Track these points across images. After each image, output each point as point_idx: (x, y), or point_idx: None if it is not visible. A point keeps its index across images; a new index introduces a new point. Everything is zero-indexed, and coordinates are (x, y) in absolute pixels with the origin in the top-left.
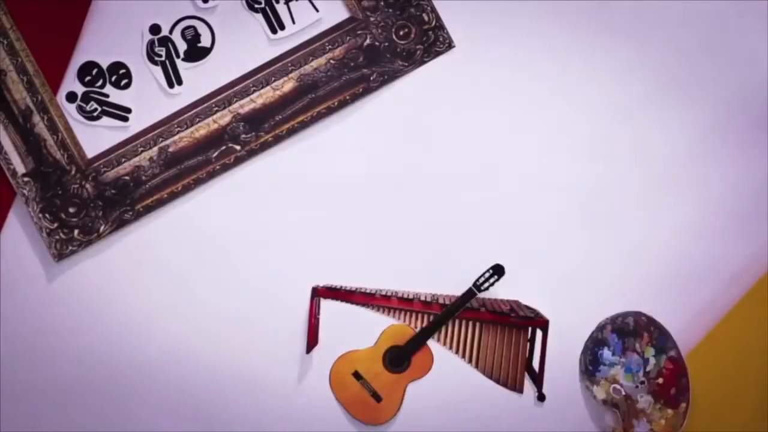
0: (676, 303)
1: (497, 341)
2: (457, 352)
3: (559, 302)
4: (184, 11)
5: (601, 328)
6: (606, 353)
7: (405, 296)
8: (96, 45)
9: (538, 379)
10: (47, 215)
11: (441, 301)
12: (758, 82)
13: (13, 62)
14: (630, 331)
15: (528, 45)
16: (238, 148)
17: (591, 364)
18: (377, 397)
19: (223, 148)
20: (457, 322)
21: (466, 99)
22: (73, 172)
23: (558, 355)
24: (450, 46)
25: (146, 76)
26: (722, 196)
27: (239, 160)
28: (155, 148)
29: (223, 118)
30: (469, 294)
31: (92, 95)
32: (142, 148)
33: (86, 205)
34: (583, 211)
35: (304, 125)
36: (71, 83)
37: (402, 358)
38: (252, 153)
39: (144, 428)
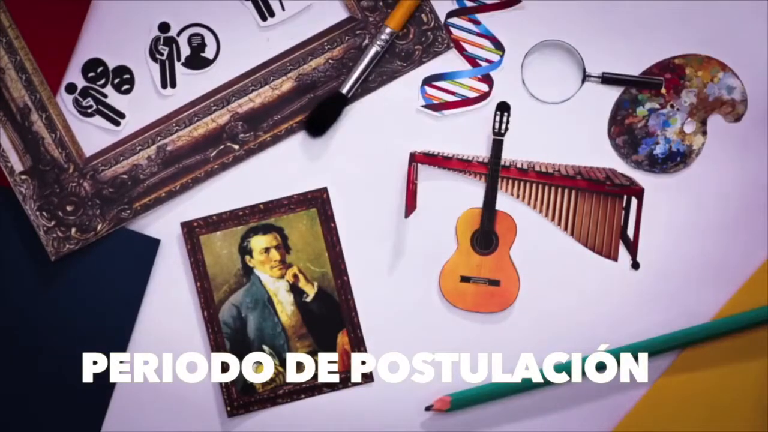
0: (675, 299)
1: (593, 209)
2: (553, 219)
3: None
4: (196, 17)
5: (639, 164)
6: (658, 150)
7: (502, 164)
8: (105, 41)
9: (632, 247)
10: (44, 213)
11: (538, 168)
12: (758, 81)
13: (11, 60)
14: (630, 136)
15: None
16: (236, 147)
17: (674, 161)
18: (495, 283)
19: (222, 147)
20: (553, 190)
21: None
22: (71, 170)
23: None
24: (449, 46)
25: (146, 76)
26: (722, 194)
27: (237, 160)
28: (153, 147)
29: (221, 117)
30: (497, 144)
31: (91, 91)
32: (140, 147)
33: (84, 203)
34: None
35: (301, 125)
36: (74, 75)
37: (487, 237)
38: (250, 152)
39: (141, 428)
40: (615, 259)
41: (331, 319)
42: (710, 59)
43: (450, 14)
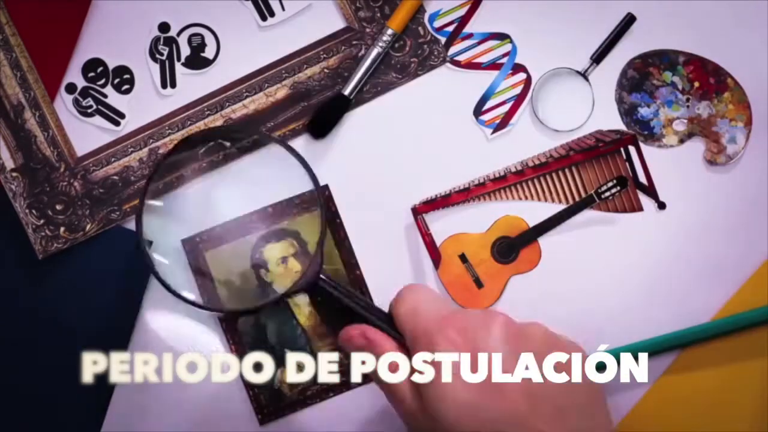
0: (675, 299)
1: (598, 174)
2: (566, 202)
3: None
4: (196, 17)
5: (620, 102)
6: (643, 111)
7: (496, 175)
8: (105, 41)
9: (650, 190)
10: (34, 211)
11: (531, 163)
12: (758, 81)
13: (6, 57)
14: (639, 79)
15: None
16: (228, 144)
17: (643, 129)
18: (479, 283)
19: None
20: (555, 176)
21: (459, 113)
22: (62, 169)
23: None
24: (444, 60)
25: (146, 76)
26: (722, 194)
27: (229, 158)
28: (145, 150)
29: (214, 122)
30: (589, 199)
31: (91, 91)
32: (132, 149)
33: (74, 203)
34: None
35: (295, 133)
36: (74, 75)
37: (510, 249)
38: (243, 150)
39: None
40: (640, 209)
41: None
42: (748, 107)
43: (446, 48)
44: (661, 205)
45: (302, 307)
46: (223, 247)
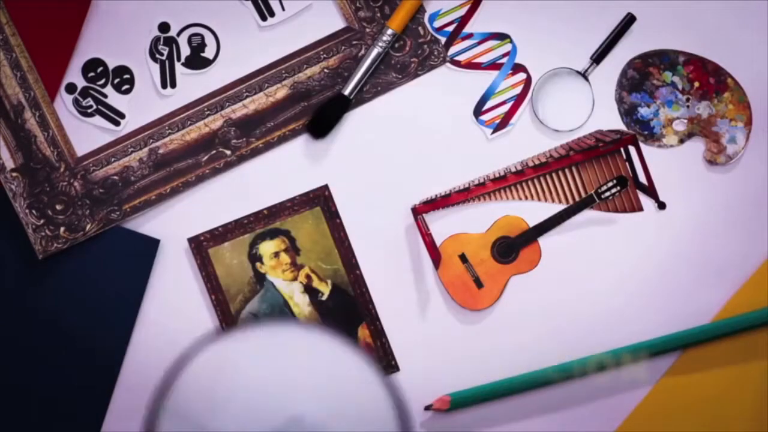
0: (675, 299)
1: (598, 174)
2: (566, 202)
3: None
4: (196, 17)
5: (620, 101)
6: (643, 111)
7: (496, 175)
8: (105, 41)
9: (650, 190)
10: (34, 211)
11: (531, 163)
12: (758, 81)
13: (6, 57)
14: (639, 79)
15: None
16: (228, 153)
17: (643, 129)
18: (479, 283)
19: (214, 152)
20: (555, 176)
21: (459, 113)
22: (62, 169)
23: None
24: (444, 60)
25: (146, 76)
26: (722, 194)
27: (229, 165)
28: (145, 149)
29: (214, 122)
30: (589, 199)
31: (91, 91)
32: (132, 149)
33: (74, 203)
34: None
35: (295, 133)
36: (74, 75)
37: (510, 249)
38: (242, 159)
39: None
40: (640, 209)
41: (349, 314)
42: (748, 107)
43: (446, 48)
44: (661, 205)
45: (302, 307)
46: (225, 244)
